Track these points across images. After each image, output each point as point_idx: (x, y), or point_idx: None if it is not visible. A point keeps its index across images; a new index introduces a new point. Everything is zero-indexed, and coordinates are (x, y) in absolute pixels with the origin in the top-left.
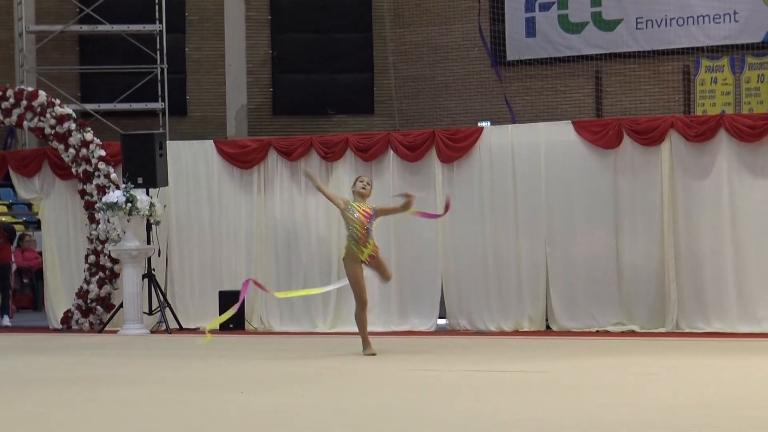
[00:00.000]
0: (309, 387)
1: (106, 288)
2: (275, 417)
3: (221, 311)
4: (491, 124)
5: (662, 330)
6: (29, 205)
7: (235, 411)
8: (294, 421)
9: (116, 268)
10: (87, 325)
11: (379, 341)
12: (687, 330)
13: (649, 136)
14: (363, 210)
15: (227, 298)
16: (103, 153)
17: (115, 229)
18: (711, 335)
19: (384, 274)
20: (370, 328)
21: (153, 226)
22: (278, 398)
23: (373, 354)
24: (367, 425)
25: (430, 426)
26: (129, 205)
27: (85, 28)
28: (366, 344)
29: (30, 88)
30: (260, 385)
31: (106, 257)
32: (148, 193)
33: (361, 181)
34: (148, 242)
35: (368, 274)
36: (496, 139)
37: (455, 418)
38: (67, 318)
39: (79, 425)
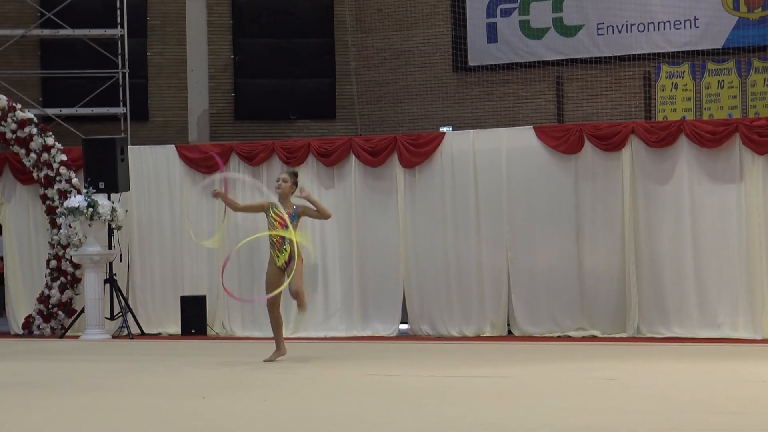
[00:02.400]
0: (270, 392)
1: (68, 293)
2: (236, 422)
3: (183, 316)
4: (453, 130)
5: (623, 335)
6: None
7: (196, 417)
8: (255, 426)
9: (78, 273)
10: (48, 330)
11: (341, 346)
12: (648, 335)
13: (610, 142)
14: (279, 216)
15: (189, 304)
16: (64, 158)
17: (76, 234)
18: (672, 340)
19: (292, 287)
20: (332, 333)
21: (114, 231)
22: (240, 404)
23: (272, 361)
24: (326, 430)
25: None
26: (90, 210)
27: (46, 32)
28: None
29: None
30: (222, 390)
31: (68, 262)
32: (109, 198)
33: (276, 181)
34: (110, 247)
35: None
36: (458, 144)
37: (416, 424)
38: (28, 323)
39: (38, 428)
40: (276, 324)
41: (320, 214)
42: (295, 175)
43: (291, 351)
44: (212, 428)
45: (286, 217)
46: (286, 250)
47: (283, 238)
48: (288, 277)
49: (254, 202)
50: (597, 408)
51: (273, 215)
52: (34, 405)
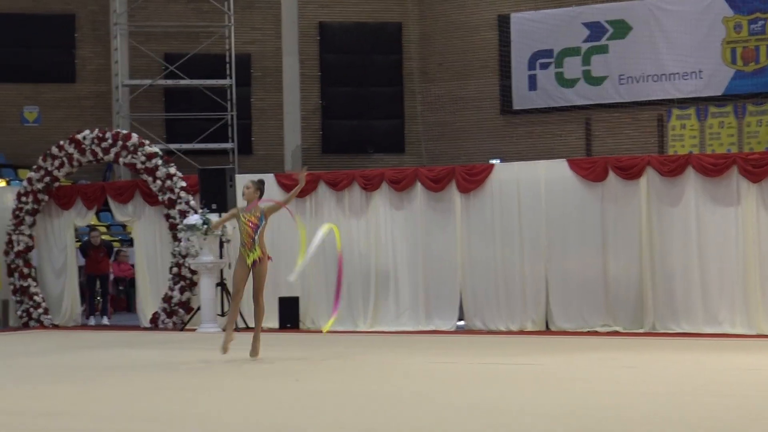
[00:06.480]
0: (351, 375)
1: (187, 294)
2: (322, 399)
3: (280, 314)
4: (500, 162)
5: (641, 330)
6: (124, 226)
7: (291, 394)
8: (337, 401)
9: (195, 278)
10: (171, 324)
11: (408, 339)
12: (661, 330)
13: (630, 172)
14: (249, 220)
15: (285, 303)
16: (184, 184)
17: (193, 246)
18: (680, 335)
19: (255, 284)
20: (402, 328)
21: (224, 244)
22: (325, 385)
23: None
24: (396, 406)
25: (445, 408)
26: (205, 226)
27: (170, 82)
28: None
29: (124, 131)
30: (312, 374)
31: (187, 269)
32: (220, 217)
33: (245, 187)
34: (221, 257)
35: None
36: (505, 174)
37: (467, 403)
38: (154, 318)
39: (162, 404)
40: (233, 316)
41: (278, 206)
42: (260, 182)
43: (368, 342)
44: (304, 403)
45: (255, 220)
46: (255, 250)
47: (253, 239)
48: (255, 276)
49: (229, 213)
50: (618, 390)
51: (243, 220)
52: (157, 385)
